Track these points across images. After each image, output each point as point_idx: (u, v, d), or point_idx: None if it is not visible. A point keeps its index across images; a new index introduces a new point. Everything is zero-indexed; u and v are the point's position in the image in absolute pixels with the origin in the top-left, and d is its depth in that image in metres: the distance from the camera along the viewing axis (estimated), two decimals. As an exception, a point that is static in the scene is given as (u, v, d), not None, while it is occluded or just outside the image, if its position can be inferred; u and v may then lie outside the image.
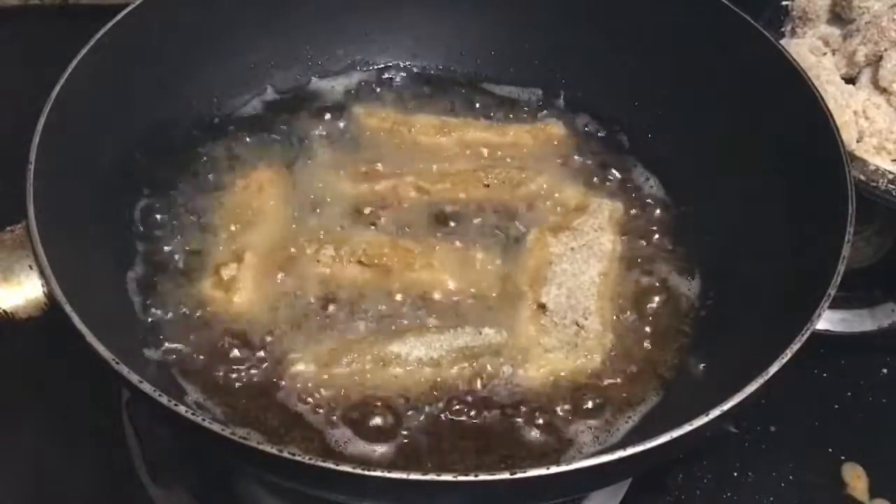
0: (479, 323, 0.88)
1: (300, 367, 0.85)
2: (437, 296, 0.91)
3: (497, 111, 1.10)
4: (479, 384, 0.84)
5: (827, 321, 0.76)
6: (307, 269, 0.91)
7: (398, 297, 0.90)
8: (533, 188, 1.01)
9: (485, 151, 1.05)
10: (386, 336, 0.87)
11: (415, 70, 1.13)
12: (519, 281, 0.93)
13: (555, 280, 0.92)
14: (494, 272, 0.93)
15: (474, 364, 0.85)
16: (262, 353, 0.86)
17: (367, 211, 0.97)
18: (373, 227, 0.96)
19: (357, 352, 0.84)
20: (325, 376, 0.84)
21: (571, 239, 0.95)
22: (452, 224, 0.97)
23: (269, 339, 0.87)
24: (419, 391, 0.84)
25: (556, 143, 1.06)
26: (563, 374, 0.86)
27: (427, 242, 0.95)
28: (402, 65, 1.14)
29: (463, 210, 0.98)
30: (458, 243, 0.95)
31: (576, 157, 1.05)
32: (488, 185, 1.00)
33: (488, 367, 0.85)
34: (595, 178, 1.04)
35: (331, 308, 0.89)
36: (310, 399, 0.83)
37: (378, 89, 1.11)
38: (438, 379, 0.84)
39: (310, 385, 0.84)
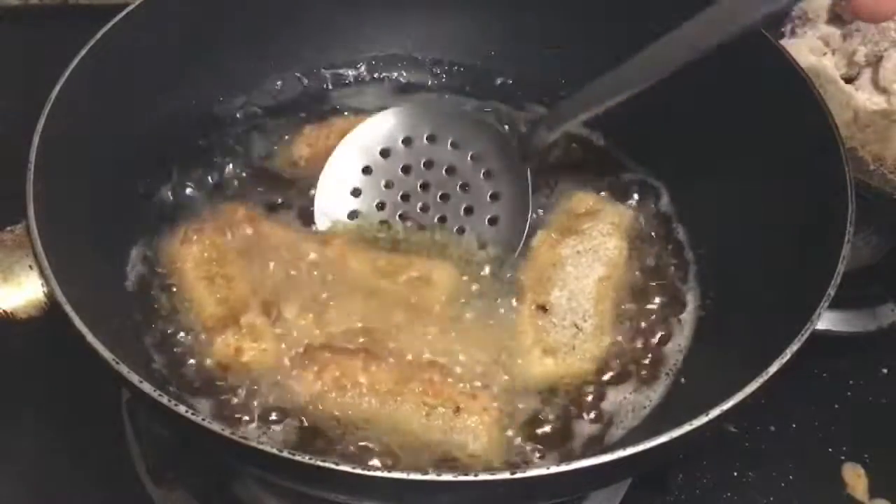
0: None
1: (292, 387, 0.84)
2: (439, 375, 0.85)
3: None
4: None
5: (827, 321, 0.75)
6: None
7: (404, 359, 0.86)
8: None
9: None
10: (379, 394, 0.83)
11: (415, 71, 1.14)
12: (523, 285, 0.92)
13: (557, 282, 0.92)
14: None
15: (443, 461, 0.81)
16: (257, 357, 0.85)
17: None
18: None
19: (347, 393, 0.82)
20: (312, 405, 0.82)
21: (578, 242, 0.95)
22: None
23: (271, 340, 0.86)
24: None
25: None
26: (560, 375, 0.86)
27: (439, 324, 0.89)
28: (403, 64, 1.14)
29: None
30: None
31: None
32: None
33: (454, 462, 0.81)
34: (595, 182, 1.03)
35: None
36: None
37: (378, 90, 1.12)
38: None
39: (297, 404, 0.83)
